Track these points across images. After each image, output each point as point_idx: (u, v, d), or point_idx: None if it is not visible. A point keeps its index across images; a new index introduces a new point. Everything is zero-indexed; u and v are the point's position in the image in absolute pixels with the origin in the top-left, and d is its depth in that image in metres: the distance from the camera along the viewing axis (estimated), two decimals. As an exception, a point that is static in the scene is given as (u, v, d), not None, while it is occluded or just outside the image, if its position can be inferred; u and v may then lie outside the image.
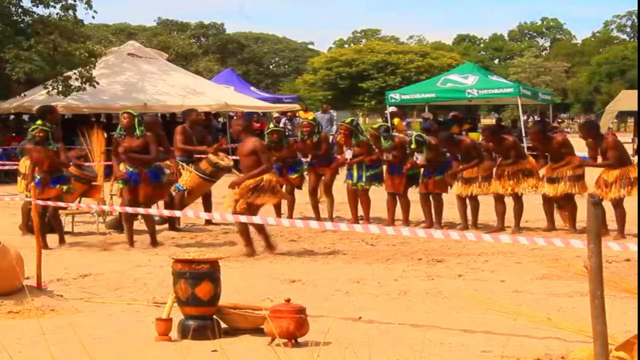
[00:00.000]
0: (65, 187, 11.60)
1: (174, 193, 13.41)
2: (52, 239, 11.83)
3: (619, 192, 11.68)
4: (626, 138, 32.59)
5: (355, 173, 13.54)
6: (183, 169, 13.32)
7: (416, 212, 13.37)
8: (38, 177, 11.40)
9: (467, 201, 12.83)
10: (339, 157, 14.06)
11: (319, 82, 59.58)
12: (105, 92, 24.69)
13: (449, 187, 13.14)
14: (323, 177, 13.90)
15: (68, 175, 11.94)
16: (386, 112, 30.27)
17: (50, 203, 11.04)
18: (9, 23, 22.92)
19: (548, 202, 12.48)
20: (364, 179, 13.46)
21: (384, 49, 59.47)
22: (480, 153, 12.71)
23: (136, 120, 11.66)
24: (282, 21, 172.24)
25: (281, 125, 24.41)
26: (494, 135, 12.82)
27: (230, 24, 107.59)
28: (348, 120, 13.97)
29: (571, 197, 12.29)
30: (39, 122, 11.72)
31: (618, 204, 11.79)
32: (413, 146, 13.01)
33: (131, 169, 11.56)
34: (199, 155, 13.61)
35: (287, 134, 16.10)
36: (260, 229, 10.77)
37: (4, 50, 22.15)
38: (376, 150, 13.42)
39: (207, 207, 13.71)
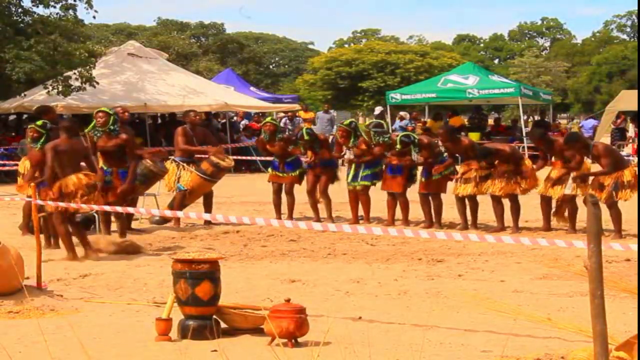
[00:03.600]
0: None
1: (175, 193, 13.44)
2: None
3: (611, 194, 11.67)
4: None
5: (352, 172, 13.58)
6: (184, 169, 13.34)
7: (416, 211, 13.37)
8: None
9: (466, 201, 12.83)
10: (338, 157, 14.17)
11: (319, 82, 59.52)
12: (105, 92, 24.69)
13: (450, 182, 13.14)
14: (320, 179, 13.89)
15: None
16: (378, 110, 30.25)
17: (50, 203, 11.02)
18: (9, 23, 22.93)
19: (546, 202, 12.46)
20: (359, 178, 13.48)
21: (384, 49, 59.40)
22: (477, 153, 12.67)
23: (112, 119, 11.63)
24: (282, 21, 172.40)
25: (281, 124, 24.43)
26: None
27: (230, 24, 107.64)
28: (347, 122, 14.02)
29: (572, 197, 12.27)
30: (38, 122, 11.69)
31: (612, 204, 11.78)
32: (398, 147, 13.02)
33: (105, 168, 11.60)
34: (199, 156, 13.63)
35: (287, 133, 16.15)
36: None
37: (4, 50, 22.16)
38: (374, 149, 13.46)
39: (208, 207, 13.71)
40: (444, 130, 13.59)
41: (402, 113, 30.80)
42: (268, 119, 15.08)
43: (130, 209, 10.91)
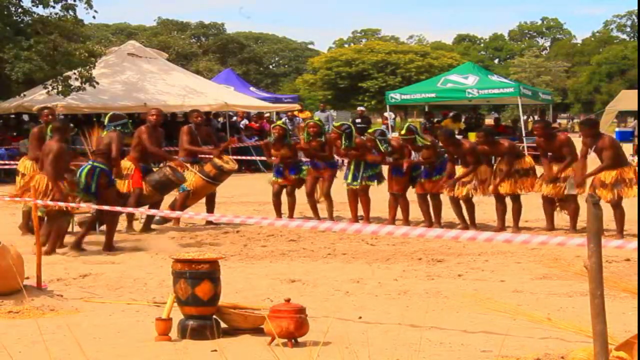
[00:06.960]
0: None
1: (177, 194, 13.42)
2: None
3: (615, 193, 11.63)
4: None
5: (351, 174, 13.55)
6: (187, 169, 13.30)
7: (416, 212, 13.36)
8: None
9: (462, 203, 12.79)
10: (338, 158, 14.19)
11: (319, 82, 59.55)
12: (105, 92, 24.70)
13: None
14: (321, 179, 13.86)
15: None
16: (385, 113, 30.32)
17: (50, 203, 11.02)
18: (9, 23, 22.91)
19: (549, 202, 12.45)
20: (359, 179, 13.47)
21: (384, 49, 59.41)
22: (477, 158, 12.64)
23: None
24: (282, 21, 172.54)
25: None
26: (488, 138, 12.75)
27: (230, 24, 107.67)
28: (337, 124, 14.15)
29: (574, 197, 12.24)
30: None
31: (617, 204, 11.75)
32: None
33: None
34: (203, 156, 13.59)
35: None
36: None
37: (4, 50, 22.15)
38: (374, 152, 13.44)
39: (210, 207, 13.70)
40: (444, 134, 13.49)
41: (385, 114, 30.83)
42: (279, 122, 15.06)
43: (131, 209, 10.89)
